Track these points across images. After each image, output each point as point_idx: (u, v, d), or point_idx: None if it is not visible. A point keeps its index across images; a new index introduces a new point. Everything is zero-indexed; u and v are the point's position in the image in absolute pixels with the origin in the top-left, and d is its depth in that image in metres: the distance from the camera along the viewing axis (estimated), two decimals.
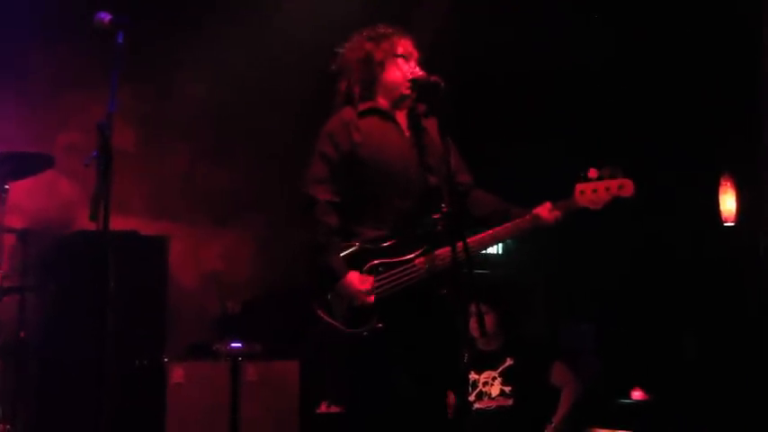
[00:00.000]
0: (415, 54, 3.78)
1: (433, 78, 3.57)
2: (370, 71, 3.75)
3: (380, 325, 3.48)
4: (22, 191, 5.35)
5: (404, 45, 3.77)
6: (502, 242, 3.67)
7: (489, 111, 6.76)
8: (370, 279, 3.53)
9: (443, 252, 3.49)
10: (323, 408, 5.62)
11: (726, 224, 6.97)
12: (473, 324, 5.01)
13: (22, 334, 4.93)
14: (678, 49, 6.44)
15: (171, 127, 6.38)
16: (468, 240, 3.35)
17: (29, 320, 5.02)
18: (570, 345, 7.03)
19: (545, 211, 3.58)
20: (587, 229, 6.48)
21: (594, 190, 3.55)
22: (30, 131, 5.80)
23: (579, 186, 3.57)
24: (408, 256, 3.55)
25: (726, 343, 6.53)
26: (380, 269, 3.55)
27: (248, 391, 5.47)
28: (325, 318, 3.57)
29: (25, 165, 4.96)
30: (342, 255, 3.56)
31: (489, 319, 5.16)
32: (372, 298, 3.50)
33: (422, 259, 3.54)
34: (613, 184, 3.55)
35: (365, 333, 3.49)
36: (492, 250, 7.19)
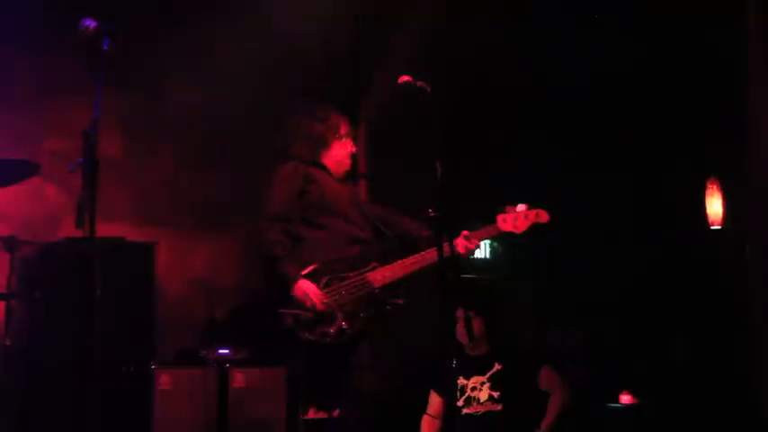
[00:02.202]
0: (347, 131, 4.46)
1: (419, 83, 3.61)
2: (311, 148, 4.43)
3: (344, 324, 3.94)
4: (7, 198, 5.33)
5: (338, 125, 4.43)
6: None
7: (480, 114, 6.77)
8: (319, 290, 4.01)
9: (389, 268, 4.09)
10: (310, 414, 5.60)
11: (712, 227, 7.00)
12: (461, 329, 5.06)
13: (7, 341, 4.90)
14: (665, 56, 6.47)
15: (157, 133, 6.37)
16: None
17: (14, 328, 4.98)
18: (558, 349, 7.04)
19: (460, 243, 4.16)
20: (575, 233, 6.53)
21: (515, 218, 4.18)
22: (15, 137, 5.78)
23: (500, 216, 4.19)
24: (359, 271, 4.09)
25: (712, 345, 6.55)
26: (335, 282, 4.06)
27: (236, 397, 5.45)
28: (288, 311, 4.02)
29: (10, 171, 4.92)
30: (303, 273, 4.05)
31: (477, 325, 5.16)
32: (321, 305, 3.96)
33: (371, 273, 4.10)
34: (531, 213, 4.19)
35: (330, 333, 3.93)
36: (480, 254, 7.20)
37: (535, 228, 4.18)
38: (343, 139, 4.44)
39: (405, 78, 3.73)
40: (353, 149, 4.48)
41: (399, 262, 4.12)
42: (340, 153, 4.43)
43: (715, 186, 6.96)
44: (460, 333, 5.10)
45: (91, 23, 3.25)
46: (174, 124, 6.35)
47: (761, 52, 5.44)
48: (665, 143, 6.79)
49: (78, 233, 3.05)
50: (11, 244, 4.95)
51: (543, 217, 4.19)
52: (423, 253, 4.10)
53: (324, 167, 4.39)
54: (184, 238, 6.44)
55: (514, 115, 6.99)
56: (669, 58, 6.50)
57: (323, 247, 4.14)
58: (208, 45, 6.22)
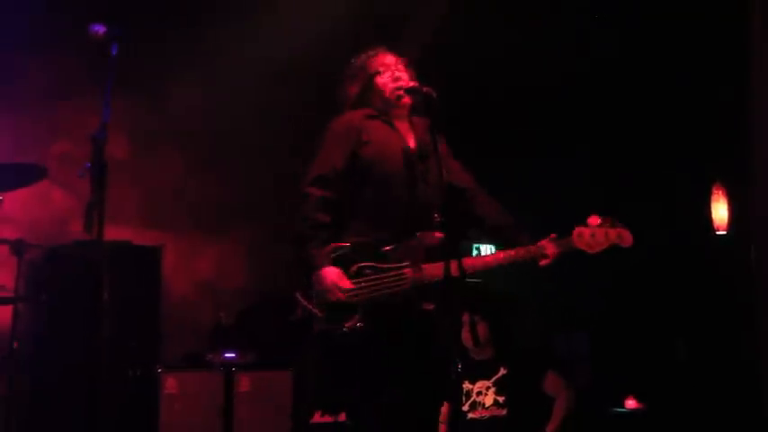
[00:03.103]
0: (392, 60, 3.85)
1: (425, 89, 3.58)
2: (365, 80, 3.83)
3: (360, 324, 3.48)
4: (15, 202, 5.35)
5: (376, 61, 3.85)
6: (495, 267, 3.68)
7: (480, 124, 6.77)
8: (348, 281, 3.51)
9: (432, 267, 3.51)
10: (316, 417, 5.61)
11: (718, 232, 7.00)
12: (466, 334, 5.06)
13: (15, 345, 4.92)
14: (671, 62, 6.48)
15: (164, 137, 6.39)
16: (463, 261, 3.42)
17: (22, 331, 5.00)
18: (563, 354, 7.04)
19: (551, 246, 3.65)
20: None
21: (593, 234, 3.63)
22: (23, 142, 5.81)
23: (578, 230, 3.63)
24: (397, 264, 3.53)
25: (718, 349, 6.55)
26: (367, 272, 3.54)
27: (242, 401, 5.45)
28: (304, 302, 3.56)
29: (18, 175, 4.95)
30: (333, 254, 3.55)
31: (482, 329, 5.17)
32: (344, 297, 3.48)
33: (410, 270, 3.53)
34: (612, 232, 3.63)
35: (344, 329, 3.48)
36: None
37: (613, 250, 3.65)
38: (394, 68, 3.82)
39: (411, 84, 3.70)
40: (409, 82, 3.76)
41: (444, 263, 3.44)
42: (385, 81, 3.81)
43: (721, 192, 6.96)
44: (466, 337, 5.11)
45: (100, 28, 3.27)
46: (180, 127, 6.37)
47: (765, 55, 5.45)
48: (671, 148, 6.79)
49: (86, 237, 3.05)
50: (18, 247, 4.97)
51: (626, 240, 3.64)
52: (510, 252, 3.62)
53: (385, 120, 3.78)
54: (190, 240, 6.46)
55: (515, 120, 7.00)
56: (676, 67, 6.50)
57: (365, 220, 3.63)
58: (214, 48, 6.26)
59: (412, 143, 3.76)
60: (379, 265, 3.54)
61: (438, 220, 3.53)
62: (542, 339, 7.20)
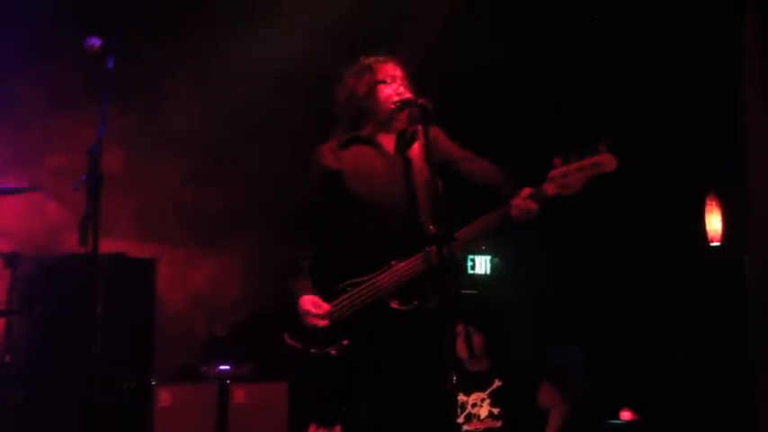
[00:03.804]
0: (400, 75, 3.80)
1: (420, 101, 3.55)
2: (356, 105, 3.79)
3: (346, 342, 3.54)
4: (9, 213, 5.34)
5: (385, 70, 3.79)
6: (479, 238, 3.50)
7: (479, 130, 6.78)
8: (325, 305, 3.59)
9: (404, 264, 3.49)
10: (311, 430, 5.59)
11: (712, 243, 7.01)
12: (461, 345, 5.05)
13: (7, 357, 4.90)
14: (665, 73, 6.49)
15: (158, 148, 6.38)
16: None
17: (15, 344, 4.99)
18: (558, 366, 7.04)
19: (519, 199, 3.42)
20: (576, 249, 6.53)
21: (564, 174, 3.33)
22: (16, 153, 5.80)
23: (550, 173, 3.38)
24: (374, 273, 3.55)
25: (713, 361, 6.55)
26: (348, 288, 3.59)
27: (236, 413, 5.44)
28: (292, 343, 3.69)
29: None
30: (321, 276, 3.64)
31: (477, 340, 5.17)
32: (325, 322, 3.56)
33: (382, 275, 3.53)
34: (586, 163, 3.32)
35: (333, 353, 3.56)
36: (480, 270, 7.20)
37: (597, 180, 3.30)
38: (382, 85, 3.75)
39: (406, 96, 3.68)
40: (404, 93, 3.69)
41: (413, 259, 3.47)
42: (379, 99, 3.73)
43: (714, 203, 6.97)
44: (461, 349, 5.09)
45: (96, 41, 3.28)
46: (175, 139, 6.36)
47: (757, 67, 5.48)
48: (665, 159, 6.80)
49: (80, 249, 3.05)
50: (12, 260, 4.97)
51: (606, 165, 3.31)
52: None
53: (368, 139, 3.76)
54: (185, 253, 6.45)
55: (508, 130, 7.01)
56: (670, 78, 6.52)
57: (348, 239, 3.65)
58: (210, 60, 6.26)
59: (392, 155, 3.73)
60: (360, 279, 3.57)
61: (433, 231, 3.49)
62: (537, 351, 7.20)
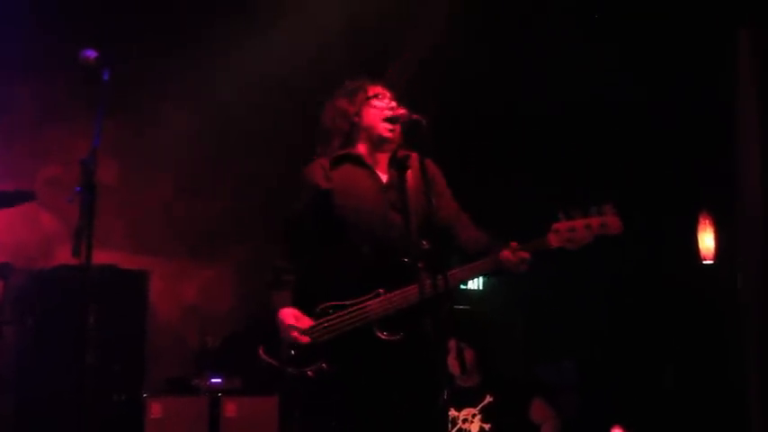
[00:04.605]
0: (389, 93, 3.77)
1: (414, 117, 3.53)
2: (349, 121, 3.75)
3: (325, 366, 3.44)
4: (2, 225, 5.34)
5: (376, 89, 3.77)
6: (468, 280, 3.45)
7: (469, 147, 6.80)
8: (308, 320, 3.49)
9: (398, 293, 3.42)
10: None
11: (705, 262, 7.03)
12: (452, 361, 5.04)
13: None
14: (659, 92, 6.52)
15: (152, 160, 6.38)
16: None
17: (6, 355, 4.98)
18: (550, 381, 7.04)
19: (508, 253, 3.43)
20: (568, 265, 6.53)
21: (572, 229, 3.35)
22: (10, 165, 5.80)
23: (555, 225, 3.38)
24: (361, 299, 3.47)
25: (705, 378, 6.56)
26: (330, 311, 3.50)
27: (227, 426, 5.43)
28: (266, 359, 3.56)
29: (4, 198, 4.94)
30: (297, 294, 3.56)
31: (469, 356, 5.17)
32: (307, 338, 3.45)
33: (373, 302, 3.45)
34: (594, 222, 3.33)
35: (310, 374, 3.45)
36: (473, 286, 7.21)
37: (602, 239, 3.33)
38: (373, 100, 3.73)
39: (400, 111, 3.63)
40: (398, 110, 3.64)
41: (404, 289, 3.41)
42: (373, 116, 3.70)
43: (707, 222, 6.99)
44: (452, 364, 5.09)
45: (91, 54, 3.28)
46: (169, 152, 6.36)
47: (751, 84, 5.51)
48: (658, 178, 6.83)
49: (72, 260, 3.05)
50: (4, 271, 4.96)
51: (613, 227, 3.34)
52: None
53: (361, 159, 3.71)
54: (178, 265, 6.44)
55: (500, 148, 7.04)
56: (664, 97, 6.54)
57: (334, 259, 3.60)
58: (203, 73, 6.28)
59: (385, 179, 3.68)
60: (343, 303, 3.49)
61: (426, 246, 3.47)
62: (529, 367, 7.20)
